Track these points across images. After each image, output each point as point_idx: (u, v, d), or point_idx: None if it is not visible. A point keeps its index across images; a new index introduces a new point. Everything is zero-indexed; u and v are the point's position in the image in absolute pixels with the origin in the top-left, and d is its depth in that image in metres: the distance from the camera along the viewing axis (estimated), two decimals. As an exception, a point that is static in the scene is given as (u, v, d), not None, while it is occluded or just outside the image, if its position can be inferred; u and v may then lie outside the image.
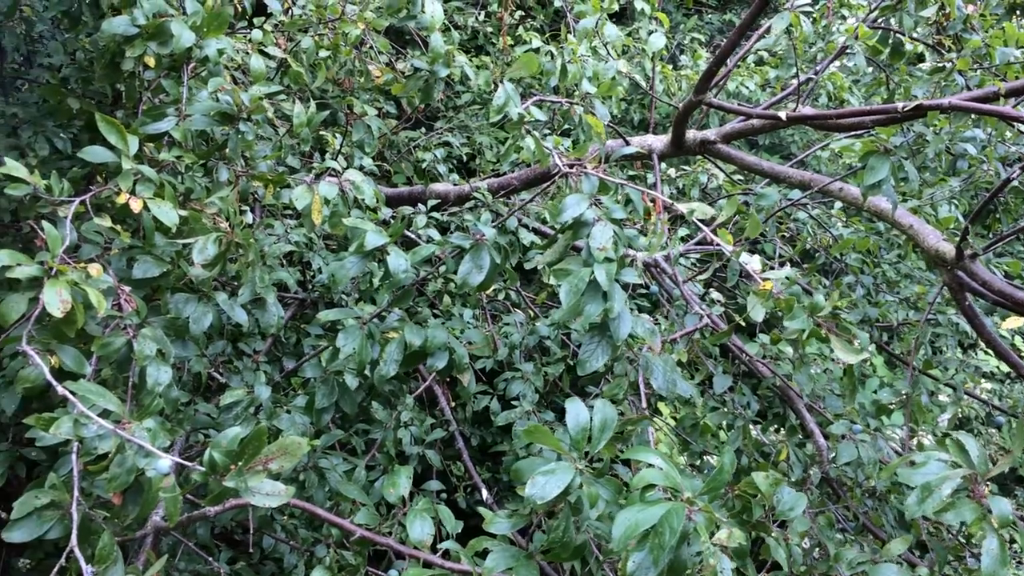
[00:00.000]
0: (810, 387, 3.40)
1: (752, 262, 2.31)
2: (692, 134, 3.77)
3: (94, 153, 2.72)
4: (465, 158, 6.18)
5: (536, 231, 4.85)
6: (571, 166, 2.74)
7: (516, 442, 3.89)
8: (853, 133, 3.71)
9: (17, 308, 2.36)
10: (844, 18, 5.04)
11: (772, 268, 2.61)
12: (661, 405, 6.16)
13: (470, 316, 4.49)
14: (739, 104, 4.66)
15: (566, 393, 5.20)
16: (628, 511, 1.76)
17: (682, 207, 2.36)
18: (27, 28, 3.69)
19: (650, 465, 1.89)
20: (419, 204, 4.52)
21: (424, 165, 5.53)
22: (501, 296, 5.15)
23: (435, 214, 4.40)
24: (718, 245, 2.42)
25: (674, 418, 4.67)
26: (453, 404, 5.16)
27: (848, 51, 3.70)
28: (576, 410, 2.12)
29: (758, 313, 2.24)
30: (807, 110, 3.22)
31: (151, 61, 3.25)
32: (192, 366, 3.43)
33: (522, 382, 4.04)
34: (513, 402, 4.06)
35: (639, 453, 2.01)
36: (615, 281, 2.32)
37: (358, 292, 4.79)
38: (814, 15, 3.93)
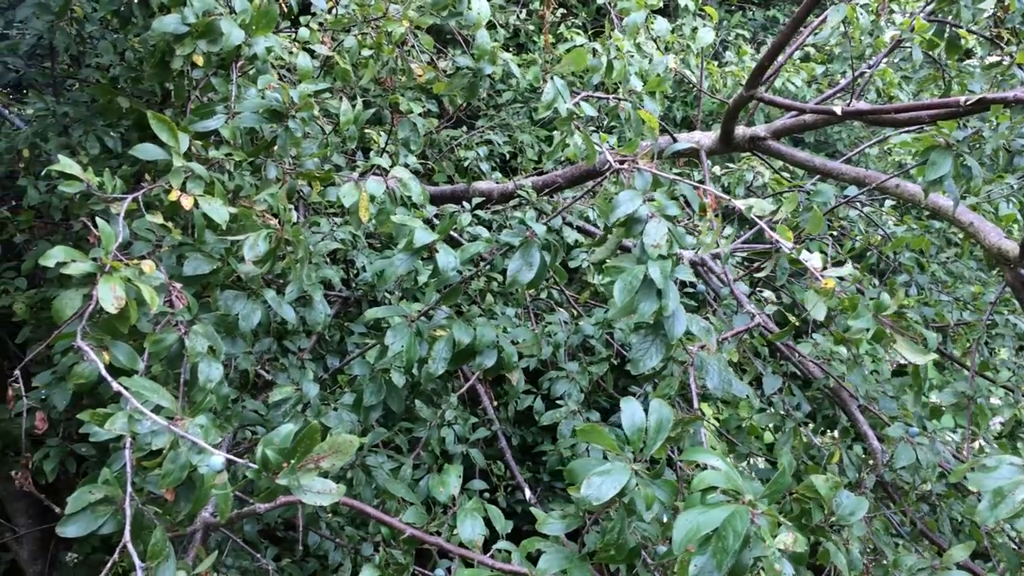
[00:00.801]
0: (864, 388, 3.32)
1: (812, 259, 2.25)
2: (741, 130, 3.71)
3: (145, 151, 2.73)
4: (507, 156, 6.16)
5: (580, 229, 4.81)
6: (622, 162, 2.70)
7: (561, 442, 3.86)
8: (907, 129, 3.62)
9: (72, 304, 2.37)
10: (892, 12, 4.93)
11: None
12: (703, 406, 6.09)
13: (512, 314, 4.47)
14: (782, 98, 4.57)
15: (608, 393, 5.17)
16: (689, 513, 1.71)
17: (740, 203, 2.31)
18: (78, 28, 3.73)
19: (711, 467, 1.85)
20: (463, 202, 4.51)
21: (466, 163, 5.51)
22: (544, 295, 5.12)
23: (479, 212, 4.39)
24: (771, 242, 2.36)
25: (717, 419, 4.59)
26: (495, 403, 5.14)
27: (903, 45, 3.61)
28: (632, 410, 2.08)
29: (819, 311, 2.19)
30: (862, 105, 3.14)
31: (199, 60, 3.26)
32: (239, 363, 3.45)
33: (567, 381, 4.00)
34: (558, 402, 4.02)
35: (699, 454, 1.97)
36: (669, 279, 2.28)
37: (401, 290, 4.79)
38: (870, 7, 3.84)
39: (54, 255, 2.30)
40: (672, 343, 2.32)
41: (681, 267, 2.30)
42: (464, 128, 6.40)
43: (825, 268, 2.25)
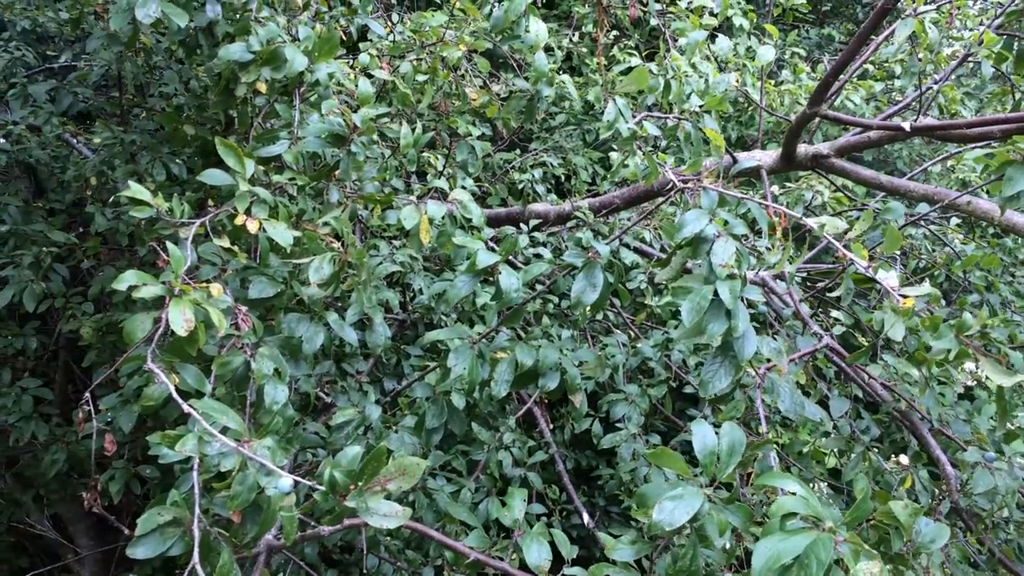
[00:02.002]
0: (937, 411, 3.22)
1: (889, 279, 2.19)
2: (803, 148, 3.65)
3: (213, 176, 2.78)
4: (561, 178, 6.16)
5: (637, 250, 4.78)
6: (685, 181, 2.67)
7: (621, 466, 3.81)
8: (975, 145, 3.53)
9: (142, 327, 2.40)
10: (953, 28, 4.83)
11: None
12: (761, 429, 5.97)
13: (569, 336, 4.44)
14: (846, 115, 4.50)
15: (665, 416, 5.10)
16: (769, 540, 1.66)
17: (812, 221, 2.26)
18: (145, 58, 3.82)
19: (789, 492, 1.79)
20: (519, 224, 4.50)
21: (520, 186, 5.52)
22: (600, 316, 5.08)
23: (536, 234, 4.38)
24: (834, 261, 2.32)
25: (778, 443, 4.50)
26: (551, 425, 5.10)
27: (970, 59, 3.53)
28: (703, 433, 2.04)
29: (898, 332, 2.12)
30: (931, 121, 3.07)
31: (263, 87, 3.32)
32: (300, 385, 3.47)
33: (626, 404, 3.95)
34: (617, 425, 3.97)
35: (775, 479, 1.92)
36: (738, 299, 2.24)
37: (458, 312, 4.79)
38: (938, 21, 3.77)
39: (126, 279, 2.34)
40: (742, 364, 2.28)
41: (752, 287, 2.25)
42: (518, 151, 6.42)
43: (900, 287, 2.18)
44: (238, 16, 3.38)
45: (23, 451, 5.14)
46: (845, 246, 2.21)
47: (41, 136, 4.66)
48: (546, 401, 5.04)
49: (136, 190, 2.61)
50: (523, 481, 3.95)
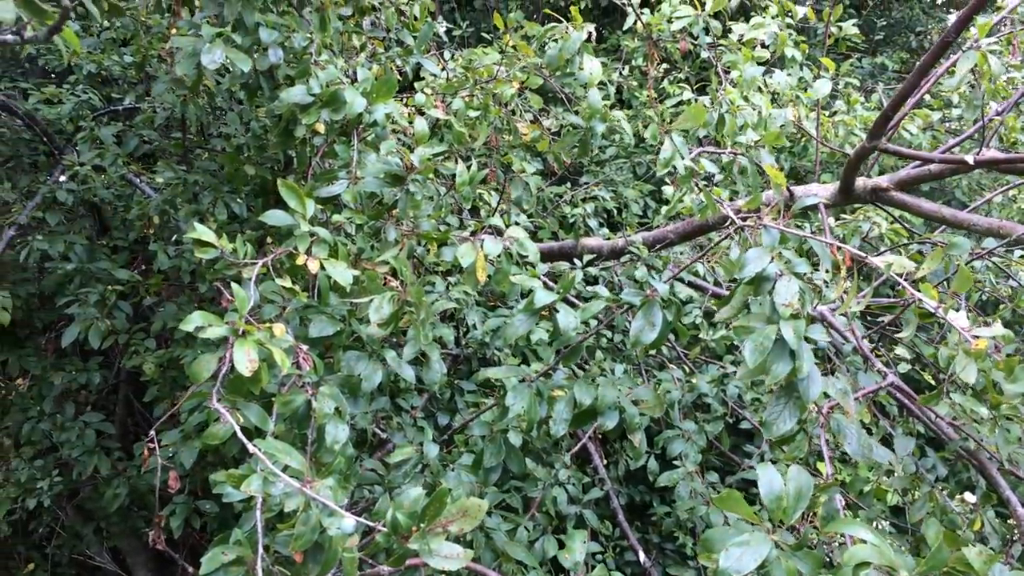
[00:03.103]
0: (1007, 450, 3.12)
1: (959, 319, 2.14)
2: (862, 181, 3.60)
3: (275, 217, 2.82)
4: (612, 212, 6.15)
5: (691, 284, 4.74)
6: (744, 218, 2.65)
7: (680, 505, 3.75)
8: (1041, 176, 3.45)
9: (208, 367, 2.44)
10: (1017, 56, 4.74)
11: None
12: (820, 465, 5.86)
13: (621, 372, 4.41)
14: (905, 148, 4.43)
15: (720, 451, 5.02)
16: (843, 591, 1.62)
17: (878, 261, 2.22)
18: (208, 101, 3.93)
19: (861, 540, 1.75)
20: (572, 259, 4.50)
21: (572, 220, 5.52)
22: (653, 350, 5.04)
23: (590, 268, 4.37)
24: (894, 294, 2.27)
25: (841, 481, 4.39)
26: (605, 461, 5.05)
27: (1033, 89, 3.46)
28: (769, 476, 2.00)
29: (970, 374, 2.07)
30: (996, 153, 3.01)
31: (321, 127, 3.38)
32: (357, 421, 3.49)
33: (683, 441, 3.91)
34: (674, 462, 3.93)
35: (846, 527, 1.87)
36: (803, 339, 2.20)
37: (510, 347, 4.79)
38: (1002, 52, 3.70)
39: (193, 320, 2.38)
40: (807, 405, 2.24)
41: (816, 327, 2.22)
42: (568, 184, 6.44)
43: (972, 327, 2.13)
44: (298, 59, 3.46)
45: (85, 484, 5.25)
46: (912, 284, 2.17)
47: (105, 176, 4.80)
48: (599, 436, 5.00)
49: (201, 231, 2.67)
50: (579, 519, 3.92)
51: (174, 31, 4.17)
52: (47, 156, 5.39)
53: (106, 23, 4.90)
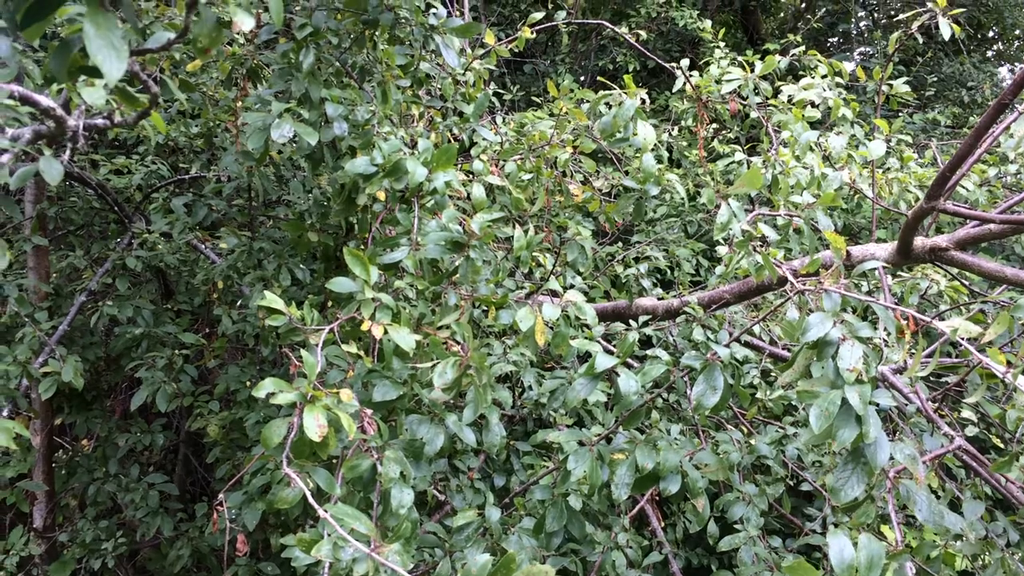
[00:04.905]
0: (1081, 516, 3.03)
1: (1030, 383, 2.12)
2: (920, 241, 3.59)
3: (340, 284, 2.90)
4: (663, 271, 6.18)
5: (747, 344, 4.72)
6: (803, 280, 2.66)
7: (742, 570, 3.68)
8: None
9: (278, 433, 2.50)
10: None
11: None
12: (885, 528, 5.71)
13: (677, 432, 4.39)
14: (963, 206, 4.41)
15: (779, 514, 4.93)
16: (923, 665, 1.59)
17: (943, 326, 2.22)
18: (274, 171, 4.08)
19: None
20: (627, 320, 4.52)
21: (624, 279, 5.56)
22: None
23: (646, 329, 4.38)
24: (957, 353, 2.25)
25: (908, 546, 4.28)
26: (663, 523, 4.99)
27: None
28: (840, 545, 1.98)
29: (1045, 440, 2.04)
30: (1058, 212, 2.99)
31: (382, 195, 3.49)
32: (417, 484, 3.52)
33: (744, 504, 3.85)
34: (735, 526, 3.87)
35: (923, 597, 1.84)
36: (869, 404, 2.20)
37: (566, 407, 4.80)
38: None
39: (265, 386, 2.45)
40: (875, 471, 2.22)
41: (881, 391, 2.21)
42: (620, 243, 6.49)
43: (1043, 391, 2.11)
44: (360, 130, 3.59)
45: (147, 545, 5.33)
46: (978, 347, 2.16)
47: (171, 242, 4.98)
48: (657, 497, 4.95)
49: (271, 299, 2.76)
50: (637, 583, 3.87)
51: (240, 104, 4.36)
52: (116, 224, 5.61)
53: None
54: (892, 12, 12.43)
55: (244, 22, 1.60)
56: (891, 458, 2.22)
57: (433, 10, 3.86)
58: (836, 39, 13.28)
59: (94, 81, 1.99)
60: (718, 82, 5.03)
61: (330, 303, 4.21)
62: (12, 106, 2.19)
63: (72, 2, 1.62)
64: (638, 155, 3.83)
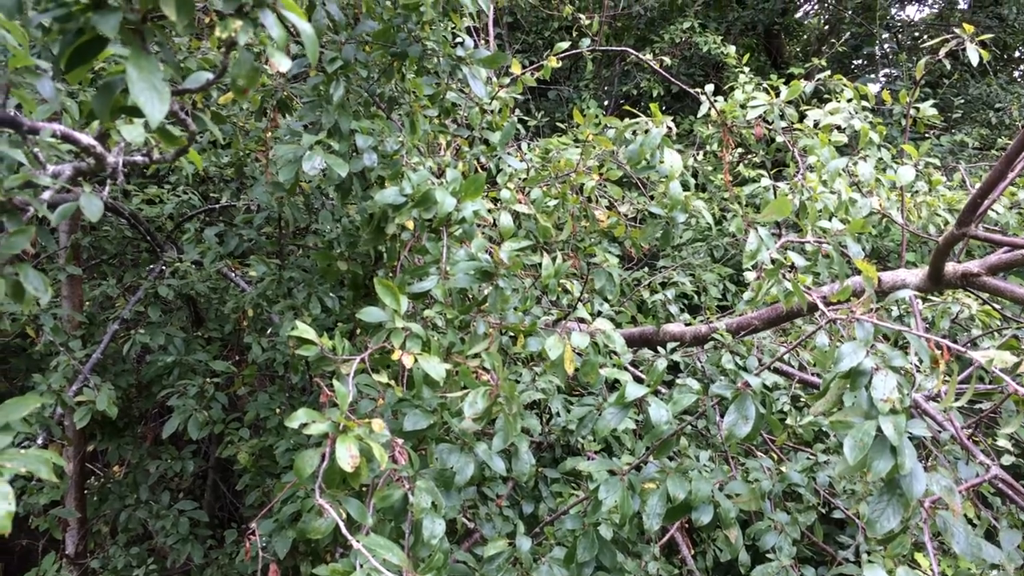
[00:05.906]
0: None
1: (1068, 414, 2.09)
2: (952, 267, 3.56)
3: (370, 314, 2.93)
4: (690, 296, 6.16)
5: (777, 371, 4.69)
6: (834, 308, 2.65)
7: (775, 600, 3.64)
8: None
9: (311, 463, 2.52)
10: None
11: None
12: (918, 556, 5.63)
13: (706, 459, 4.36)
14: (995, 230, 4.37)
15: (810, 542, 4.88)
16: None
17: (978, 356, 2.20)
18: (304, 201, 4.13)
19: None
20: (655, 346, 4.51)
21: (650, 305, 5.55)
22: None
23: (674, 356, 4.37)
24: (993, 381, 2.22)
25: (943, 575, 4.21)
26: (693, 551, 4.95)
27: None
28: (877, 578, 1.96)
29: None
30: (1092, 238, 2.96)
31: (410, 224, 3.52)
32: (447, 513, 3.52)
33: (776, 533, 3.81)
34: (767, 555, 3.83)
35: (963, 633, 1.82)
36: (904, 434, 2.18)
37: (594, 434, 4.79)
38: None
39: (298, 417, 2.47)
40: (911, 502, 2.20)
41: (916, 421, 2.19)
42: (646, 268, 6.49)
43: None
44: (389, 160, 3.63)
45: (177, 571, 5.36)
46: (1014, 376, 2.14)
47: (202, 270, 5.04)
48: (687, 525, 4.91)
49: (303, 330, 2.79)
50: (668, 613, 3.84)
51: (270, 134, 4.43)
52: (148, 252, 5.69)
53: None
54: (916, 34, 12.40)
55: (281, 63, 1.64)
56: (927, 489, 2.20)
57: (460, 40, 3.91)
58: (860, 61, 13.26)
59: (132, 119, 2.04)
60: (743, 107, 5.04)
61: (359, 331, 4.24)
62: (54, 144, 2.25)
63: (113, 44, 1.66)
64: (664, 180, 3.84)
